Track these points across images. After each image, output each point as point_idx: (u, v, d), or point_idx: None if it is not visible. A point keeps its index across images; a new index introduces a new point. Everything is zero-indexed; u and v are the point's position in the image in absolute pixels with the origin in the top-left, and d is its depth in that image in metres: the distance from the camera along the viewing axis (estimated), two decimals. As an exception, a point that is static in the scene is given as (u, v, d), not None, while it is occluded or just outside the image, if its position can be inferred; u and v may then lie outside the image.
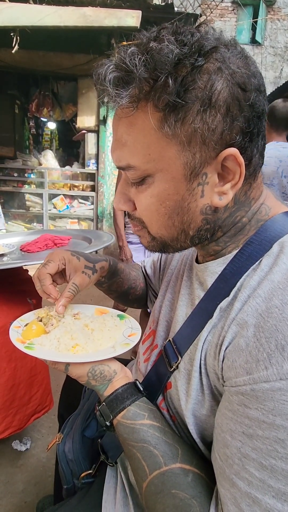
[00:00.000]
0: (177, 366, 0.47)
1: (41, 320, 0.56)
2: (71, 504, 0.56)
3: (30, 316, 0.58)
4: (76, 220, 4.13)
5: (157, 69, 0.34)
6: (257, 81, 0.38)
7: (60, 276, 0.60)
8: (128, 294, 0.74)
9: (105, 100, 0.38)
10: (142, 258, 1.83)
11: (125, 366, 0.52)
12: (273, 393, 0.31)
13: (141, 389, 0.49)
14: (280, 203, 0.47)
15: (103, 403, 0.48)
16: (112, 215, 1.91)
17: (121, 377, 0.49)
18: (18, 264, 0.97)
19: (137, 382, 0.49)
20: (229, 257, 0.45)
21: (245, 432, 0.34)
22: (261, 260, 0.40)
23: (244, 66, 0.37)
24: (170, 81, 0.34)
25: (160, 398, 0.50)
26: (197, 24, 0.38)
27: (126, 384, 0.48)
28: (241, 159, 0.37)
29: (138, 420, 0.45)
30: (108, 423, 0.48)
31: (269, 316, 0.34)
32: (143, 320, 1.96)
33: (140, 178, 0.41)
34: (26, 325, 0.55)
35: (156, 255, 0.75)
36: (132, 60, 0.35)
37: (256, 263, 0.40)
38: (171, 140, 0.37)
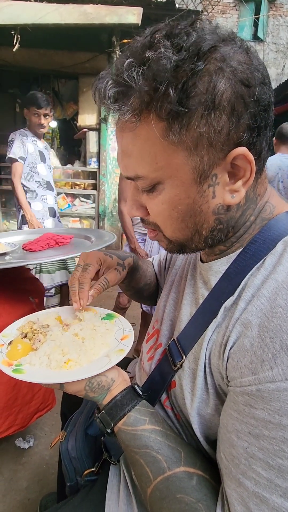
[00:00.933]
0: (181, 365, 0.47)
1: (25, 336, 0.52)
2: (74, 502, 0.57)
3: (12, 331, 0.54)
4: (78, 219, 4.13)
5: (156, 79, 0.33)
6: (260, 74, 0.36)
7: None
8: (143, 290, 0.75)
9: (108, 115, 0.38)
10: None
11: (128, 364, 0.52)
12: (279, 393, 0.31)
13: (140, 393, 0.48)
14: (284, 202, 0.47)
15: (103, 411, 0.47)
16: (119, 217, 1.90)
17: (119, 383, 0.48)
18: (21, 263, 0.97)
19: (136, 385, 0.49)
20: (233, 256, 0.45)
21: (252, 433, 0.34)
22: (265, 259, 0.40)
23: (245, 60, 0.36)
24: (171, 90, 0.33)
25: (164, 396, 0.50)
26: (191, 20, 0.36)
27: (124, 389, 0.48)
28: (250, 156, 0.37)
29: (139, 426, 0.45)
30: (109, 431, 0.47)
31: (273, 316, 0.34)
32: (143, 318, 1.96)
33: (150, 186, 0.41)
34: (10, 343, 0.51)
35: (162, 254, 0.76)
36: (130, 74, 0.34)
37: (260, 262, 0.40)
38: (177, 147, 0.37)
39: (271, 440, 0.32)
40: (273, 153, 2.26)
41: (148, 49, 0.34)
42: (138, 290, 0.74)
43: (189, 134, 0.36)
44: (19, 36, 2.77)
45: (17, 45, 2.78)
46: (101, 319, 0.57)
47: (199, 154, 0.37)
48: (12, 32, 2.76)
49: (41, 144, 2.21)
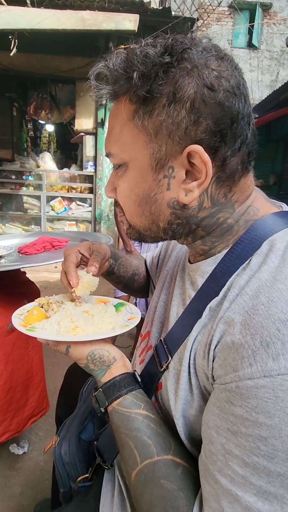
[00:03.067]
0: (167, 366, 0.47)
1: (42, 307, 0.57)
2: (68, 509, 0.56)
3: (31, 306, 0.60)
4: (74, 222, 4.13)
5: (131, 66, 0.38)
6: (230, 83, 0.38)
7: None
8: (133, 281, 0.75)
9: (91, 92, 0.43)
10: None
11: None
12: (256, 391, 0.31)
13: (139, 380, 0.49)
14: (271, 204, 0.47)
15: (100, 389, 0.48)
16: (115, 221, 1.91)
17: (120, 365, 0.49)
18: (16, 267, 0.97)
19: (136, 373, 0.50)
20: (219, 256, 0.45)
21: (230, 429, 0.34)
22: (250, 259, 0.40)
23: (216, 68, 0.38)
24: (140, 77, 0.38)
25: (153, 399, 0.50)
26: (193, 29, 0.40)
27: (124, 373, 0.48)
28: (206, 157, 0.38)
29: (133, 409, 0.45)
30: (102, 410, 0.47)
31: (255, 313, 0.34)
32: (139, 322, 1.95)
33: (117, 165, 0.45)
34: (28, 311, 0.56)
35: (156, 251, 0.77)
36: (115, 59, 0.40)
37: (246, 262, 0.40)
38: (140, 131, 0.40)
39: (248, 437, 0.32)
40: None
41: (137, 44, 0.40)
42: (128, 281, 0.75)
43: (151, 121, 0.39)
44: (16, 40, 2.79)
45: (14, 50, 2.79)
46: (113, 305, 0.61)
47: (158, 142, 0.40)
48: (10, 37, 2.77)
49: None
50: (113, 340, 1.83)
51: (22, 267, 0.98)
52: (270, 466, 0.31)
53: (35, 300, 0.60)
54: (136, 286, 0.77)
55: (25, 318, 0.54)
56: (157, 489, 0.39)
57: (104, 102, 0.44)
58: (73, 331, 0.50)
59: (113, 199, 0.50)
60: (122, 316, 0.57)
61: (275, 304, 0.33)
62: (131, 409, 0.45)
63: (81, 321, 0.51)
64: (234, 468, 0.33)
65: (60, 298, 0.61)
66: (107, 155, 0.46)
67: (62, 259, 1.01)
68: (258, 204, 0.45)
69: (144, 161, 0.41)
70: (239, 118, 0.39)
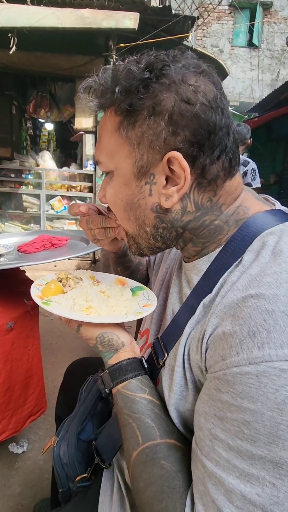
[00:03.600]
0: (163, 363, 0.48)
1: (60, 281, 0.58)
2: (67, 509, 0.56)
3: (51, 277, 0.61)
4: (74, 221, 4.12)
5: (115, 81, 0.42)
6: (206, 97, 0.41)
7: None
8: (138, 270, 0.77)
9: (83, 104, 0.46)
10: None
11: None
12: (241, 377, 0.33)
13: (146, 366, 0.50)
14: (262, 203, 0.48)
15: (106, 370, 0.49)
16: None
17: (128, 350, 0.50)
18: (15, 265, 0.97)
19: (143, 359, 0.51)
20: (213, 254, 0.46)
21: (217, 415, 0.35)
22: (243, 256, 0.41)
23: (193, 83, 0.41)
24: (123, 91, 0.41)
25: None
26: (174, 49, 0.47)
27: (132, 358, 0.49)
28: (184, 163, 0.40)
29: (138, 393, 0.46)
30: (107, 391, 0.49)
31: (244, 305, 0.35)
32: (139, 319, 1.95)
33: (105, 172, 0.48)
34: (46, 284, 0.57)
35: None
36: (102, 75, 0.43)
37: (239, 259, 0.41)
38: (125, 141, 0.43)
39: (233, 421, 0.33)
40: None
41: (122, 61, 0.44)
42: (134, 269, 0.76)
43: (134, 132, 0.42)
44: (16, 38, 2.77)
45: (13, 48, 2.78)
46: (130, 289, 0.61)
47: (140, 152, 0.43)
48: (9, 35, 2.76)
49: None
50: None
51: (22, 266, 0.97)
52: (252, 450, 0.32)
53: (55, 273, 0.61)
54: (139, 276, 0.78)
55: (43, 290, 0.55)
56: (157, 469, 0.41)
57: (94, 112, 0.47)
58: (86, 311, 0.51)
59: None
60: (138, 301, 0.56)
61: (264, 296, 0.34)
62: (136, 392, 0.46)
63: (95, 301, 0.52)
64: (220, 452, 0.34)
65: (80, 273, 0.62)
66: (96, 163, 0.49)
67: (62, 258, 1.01)
68: (248, 203, 0.46)
69: (128, 169, 0.44)
70: (216, 129, 0.41)
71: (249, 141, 2.56)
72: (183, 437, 0.45)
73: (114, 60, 3.26)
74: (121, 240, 0.63)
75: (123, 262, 0.72)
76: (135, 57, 0.43)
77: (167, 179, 0.43)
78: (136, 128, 0.42)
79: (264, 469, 0.32)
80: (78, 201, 4.11)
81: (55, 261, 0.97)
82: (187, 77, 0.41)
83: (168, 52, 0.44)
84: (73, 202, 4.11)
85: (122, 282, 0.64)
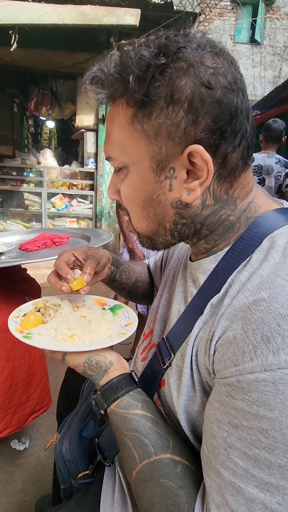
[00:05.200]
0: (169, 364, 0.47)
1: (39, 311, 0.56)
2: (69, 506, 0.56)
3: (28, 307, 0.59)
4: (75, 219, 4.12)
5: (126, 69, 0.38)
6: (226, 79, 0.38)
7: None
8: (137, 288, 0.75)
9: (89, 97, 0.42)
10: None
11: None
12: (257, 384, 0.32)
13: (136, 380, 0.49)
14: (271, 201, 0.47)
15: (98, 392, 0.49)
16: (117, 218, 1.88)
17: (117, 367, 0.50)
18: (16, 263, 0.97)
19: (133, 373, 0.50)
20: (221, 254, 0.45)
21: (231, 423, 0.34)
22: (251, 256, 0.40)
23: (212, 65, 0.38)
24: (136, 81, 0.37)
25: (156, 396, 0.50)
26: (184, 27, 0.39)
27: (121, 374, 0.49)
28: (206, 156, 0.38)
29: (131, 410, 0.45)
30: (102, 412, 0.48)
31: (256, 309, 0.34)
32: (139, 320, 1.95)
33: (118, 168, 0.45)
34: (24, 315, 0.55)
35: (158, 254, 0.76)
36: (109, 62, 0.39)
37: (247, 259, 0.40)
38: (140, 134, 0.40)
39: (249, 430, 0.32)
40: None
41: (130, 45, 0.39)
42: (132, 287, 0.74)
43: (150, 123, 0.39)
44: (17, 35, 2.76)
45: (14, 45, 2.77)
46: (109, 309, 0.61)
47: (158, 144, 0.40)
48: (10, 32, 2.75)
49: None
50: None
51: (22, 263, 0.97)
52: (271, 458, 0.31)
53: (32, 302, 0.59)
54: (140, 292, 0.77)
55: (22, 323, 0.53)
56: (157, 488, 0.40)
57: (102, 103, 0.44)
58: (70, 339, 0.50)
59: (115, 206, 0.50)
60: (119, 321, 0.56)
61: (276, 300, 0.33)
62: (128, 410, 0.45)
63: (78, 328, 0.51)
64: (236, 461, 0.33)
65: (58, 300, 0.60)
66: (107, 159, 0.46)
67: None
68: (259, 200, 0.45)
69: (145, 164, 0.41)
70: (238, 113, 0.38)
71: (284, 139, 2.38)
72: (180, 446, 0.44)
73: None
74: (102, 273, 0.63)
75: (114, 286, 0.72)
76: (143, 40, 0.39)
77: (187, 172, 0.40)
78: (153, 119, 0.39)
79: (284, 478, 0.31)
80: (79, 200, 4.11)
81: (56, 259, 0.97)
82: (205, 59, 0.37)
83: (177, 32, 0.40)
84: (78, 207, 4.10)
85: (101, 303, 0.63)
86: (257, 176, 2.36)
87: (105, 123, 3.67)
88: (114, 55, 0.39)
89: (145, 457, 0.42)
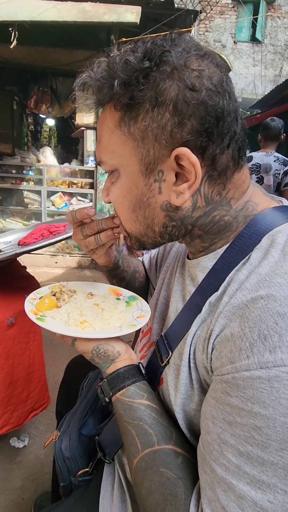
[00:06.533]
0: (168, 361, 0.47)
1: (54, 295, 0.58)
2: (68, 503, 0.56)
3: (45, 290, 0.61)
4: (75, 218, 4.12)
5: (113, 74, 0.39)
6: (211, 82, 0.38)
7: None
8: (135, 279, 0.75)
9: (77, 103, 0.43)
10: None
11: None
12: (252, 381, 0.32)
13: (143, 372, 0.50)
14: (270, 199, 0.47)
15: (105, 379, 0.50)
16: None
17: (125, 358, 0.50)
18: (11, 253, 0.95)
19: (141, 365, 0.50)
20: (219, 252, 0.45)
21: (226, 419, 0.34)
22: (250, 254, 0.40)
23: (196, 68, 0.38)
24: (122, 85, 0.38)
25: (155, 394, 0.50)
26: (169, 33, 0.42)
27: (129, 365, 0.49)
28: (193, 158, 0.38)
29: (136, 399, 0.46)
30: (107, 399, 0.49)
31: (254, 307, 0.34)
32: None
33: (110, 172, 0.46)
34: (40, 298, 0.57)
35: (153, 252, 0.76)
36: (97, 68, 0.40)
37: (246, 257, 0.40)
38: (127, 137, 0.41)
39: (243, 427, 0.33)
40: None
41: (117, 50, 0.41)
42: (131, 278, 0.74)
43: (136, 126, 0.40)
44: (16, 32, 2.75)
45: (14, 42, 2.76)
46: (124, 300, 0.61)
47: (145, 147, 0.40)
48: (10, 29, 2.73)
49: None
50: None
51: (18, 252, 0.95)
52: (263, 455, 0.31)
53: (49, 286, 0.61)
54: (137, 285, 0.76)
55: (37, 305, 0.55)
56: (157, 477, 0.40)
57: (93, 110, 0.45)
58: (81, 325, 0.51)
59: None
60: (132, 312, 0.56)
61: (274, 298, 0.33)
62: (134, 399, 0.46)
63: (89, 315, 0.52)
64: (229, 457, 0.33)
65: (74, 286, 0.61)
66: (99, 163, 0.47)
67: (55, 239, 1.00)
68: (257, 199, 0.45)
69: (134, 167, 0.42)
70: (224, 115, 0.39)
71: (282, 137, 2.37)
72: (182, 440, 0.44)
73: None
74: (112, 253, 0.63)
75: (116, 275, 0.71)
76: (130, 46, 0.40)
77: (176, 175, 0.41)
78: (139, 122, 0.39)
79: (276, 476, 0.31)
80: (79, 198, 4.11)
81: (52, 242, 0.95)
82: (190, 62, 0.38)
83: (165, 37, 0.41)
84: (78, 205, 4.10)
85: (116, 292, 0.63)
86: (256, 174, 2.36)
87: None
88: (101, 62, 0.41)
89: (148, 446, 0.42)
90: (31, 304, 0.55)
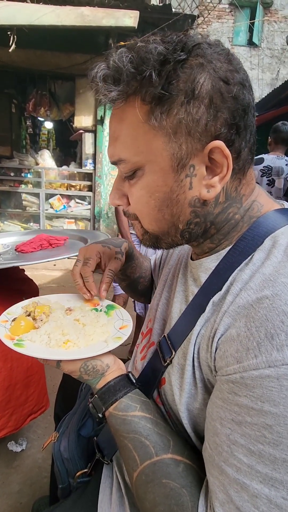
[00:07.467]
0: (170, 361, 0.47)
1: (29, 315, 0.54)
2: (66, 505, 0.56)
3: (17, 310, 0.56)
4: (73, 220, 4.12)
5: (143, 64, 0.36)
6: (240, 76, 0.39)
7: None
8: (138, 283, 0.75)
9: (98, 96, 0.40)
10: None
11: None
12: (261, 380, 0.32)
13: (134, 381, 0.49)
14: (272, 201, 0.48)
15: (95, 395, 0.49)
16: (115, 217, 1.89)
17: (114, 369, 0.50)
18: (9, 265, 0.96)
19: (130, 374, 0.50)
20: (222, 253, 0.46)
21: (234, 419, 0.34)
22: (253, 255, 0.41)
23: (226, 61, 0.39)
24: (154, 75, 0.36)
25: (156, 394, 0.50)
26: (185, 29, 0.40)
27: (118, 376, 0.49)
28: (227, 151, 0.38)
29: (129, 412, 0.45)
30: (100, 415, 0.48)
31: (259, 306, 0.34)
32: (137, 321, 1.95)
33: (131, 171, 0.42)
34: (14, 320, 0.53)
35: (158, 253, 0.76)
36: (120, 58, 0.37)
37: (249, 258, 0.41)
38: (158, 131, 0.39)
39: (253, 426, 0.32)
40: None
41: (140, 42, 0.39)
42: (133, 281, 0.74)
43: (169, 120, 0.38)
44: (15, 36, 2.76)
45: (13, 46, 2.77)
46: (102, 311, 0.60)
47: (178, 142, 0.39)
48: (9, 33, 2.75)
49: None
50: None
51: (15, 265, 0.96)
52: (275, 453, 0.31)
53: (21, 305, 0.56)
54: (140, 288, 0.77)
55: (12, 329, 0.50)
56: (160, 489, 0.40)
57: (112, 102, 0.41)
58: (64, 345, 0.48)
59: (113, 207, 0.49)
60: (113, 323, 0.55)
61: (279, 297, 0.34)
62: (127, 412, 0.45)
63: (72, 334, 0.49)
64: (240, 458, 0.33)
65: (47, 300, 0.57)
66: (116, 163, 0.43)
67: (58, 257, 1.01)
68: (262, 199, 0.46)
69: (165, 163, 0.40)
70: (249, 109, 0.39)
71: None
72: (181, 445, 0.43)
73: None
74: (119, 260, 0.65)
75: (118, 273, 0.71)
76: (153, 38, 0.39)
77: (206, 168, 0.40)
78: (172, 116, 0.38)
79: None
80: (77, 201, 4.11)
81: (49, 261, 0.96)
82: (220, 56, 0.38)
83: (183, 32, 0.40)
84: (76, 208, 4.09)
85: (93, 303, 0.61)
86: (267, 177, 2.35)
87: (104, 123, 3.68)
88: (125, 51, 0.38)
89: (146, 458, 0.42)
90: (4, 328, 0.50)
